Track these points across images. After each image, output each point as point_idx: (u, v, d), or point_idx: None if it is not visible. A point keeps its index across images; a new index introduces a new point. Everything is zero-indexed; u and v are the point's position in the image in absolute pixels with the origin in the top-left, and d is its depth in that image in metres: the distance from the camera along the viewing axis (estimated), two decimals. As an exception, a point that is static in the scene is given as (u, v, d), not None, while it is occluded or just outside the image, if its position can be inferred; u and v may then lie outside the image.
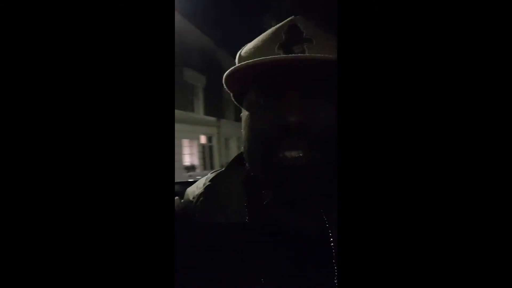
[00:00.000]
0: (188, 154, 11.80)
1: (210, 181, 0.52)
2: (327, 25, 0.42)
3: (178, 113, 9.62)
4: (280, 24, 0.44)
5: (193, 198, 0.51)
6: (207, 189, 0.51)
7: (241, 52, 0.48)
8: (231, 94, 0.49)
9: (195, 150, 12.42)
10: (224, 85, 0.45)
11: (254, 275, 0.42)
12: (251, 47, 0.46)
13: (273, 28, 0.44)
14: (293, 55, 0.38)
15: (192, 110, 11.93)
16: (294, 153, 0.38)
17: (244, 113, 0.46)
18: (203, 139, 13.11)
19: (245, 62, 0.39)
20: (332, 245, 0.42)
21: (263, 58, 0.38)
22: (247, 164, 0.47)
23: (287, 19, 0.44)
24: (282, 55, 0.39)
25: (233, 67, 0.41)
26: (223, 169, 0.54)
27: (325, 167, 0.39)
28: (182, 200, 0.54)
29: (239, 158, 0.52)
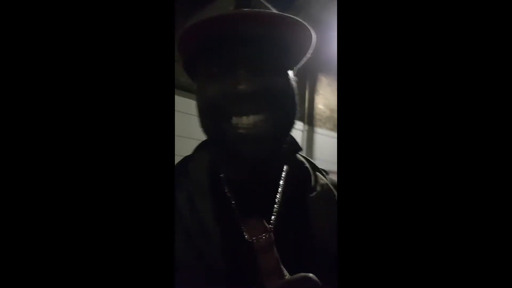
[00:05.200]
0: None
1: (177, 165, 0.51)
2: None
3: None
4: None
5: None
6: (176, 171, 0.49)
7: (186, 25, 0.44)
8: (181, 64, 0.48)
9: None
10: (177, 48, 0.43)
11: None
12: (198, 15, 0.43)
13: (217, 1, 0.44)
14: (247, 9, 0.39)
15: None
16: (244, 120, 0.40)
17: (196, 84, 0.46)
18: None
19: (201, 18, 0.39)
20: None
21: (220, 13, 0.39)
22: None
23: None
24: (240, 9, 0.40)
25: (188, 25, 0.40)
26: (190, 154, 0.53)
27: (274, 133, 0.42)
28: None
29: (203, 144, 0.53)
